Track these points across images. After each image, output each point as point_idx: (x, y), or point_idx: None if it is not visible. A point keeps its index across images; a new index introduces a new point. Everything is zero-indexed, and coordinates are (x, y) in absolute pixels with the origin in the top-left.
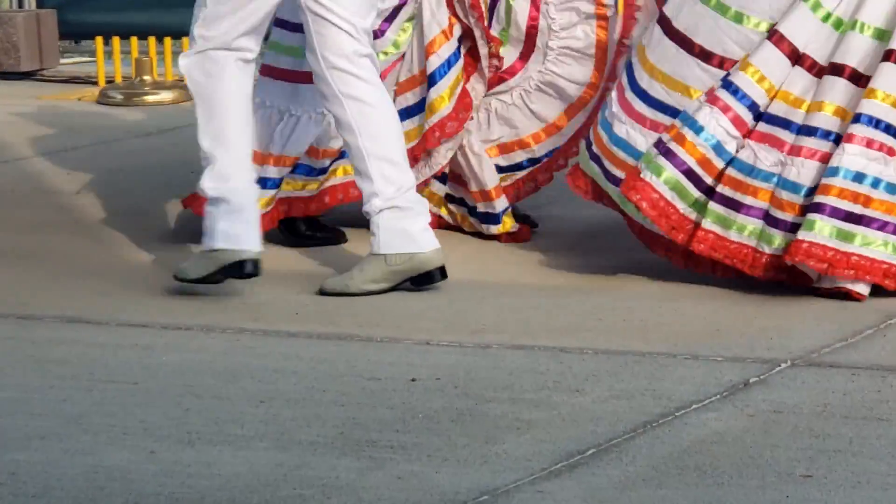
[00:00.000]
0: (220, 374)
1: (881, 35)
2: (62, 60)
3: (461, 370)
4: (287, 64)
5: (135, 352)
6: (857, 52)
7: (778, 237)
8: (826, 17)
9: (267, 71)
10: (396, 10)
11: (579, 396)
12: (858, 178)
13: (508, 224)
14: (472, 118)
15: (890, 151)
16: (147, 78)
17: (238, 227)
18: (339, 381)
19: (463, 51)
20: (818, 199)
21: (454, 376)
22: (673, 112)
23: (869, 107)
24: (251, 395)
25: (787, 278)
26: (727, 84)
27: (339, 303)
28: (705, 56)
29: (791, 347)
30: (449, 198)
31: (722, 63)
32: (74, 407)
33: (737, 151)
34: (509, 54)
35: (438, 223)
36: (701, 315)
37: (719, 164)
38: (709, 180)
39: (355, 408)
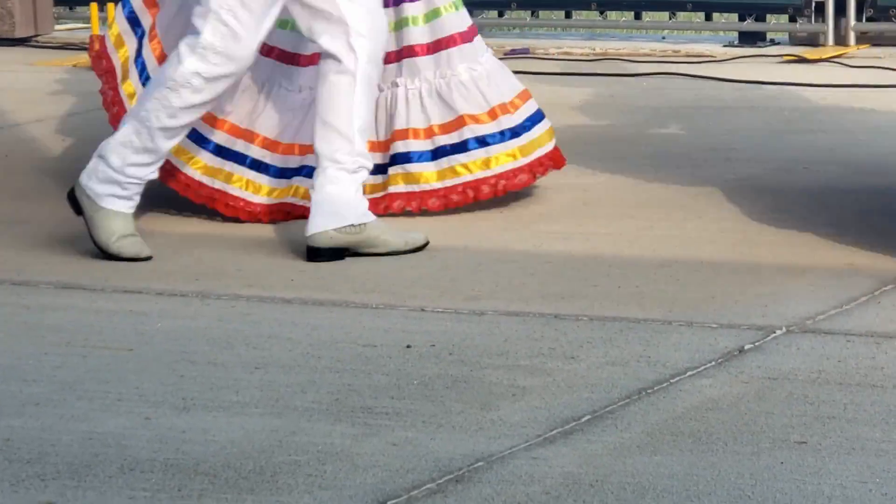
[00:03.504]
0: (215, 341)
1: None
2: (57, 27)
3: (456, 337)
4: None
5: (130, 318)
6: None
7: None
8: None
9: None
10: None
11: (574, 363)
12: None
13: None
14: None
15: None
16: None
17: None
18: (334, 347)
19: None
20: None
21: (449, 343)
22: None
23: None
24: (246, 362)
25: None
26: None
27: (335, 269)
28: None
29: (786, 314)
30: None
31: None
32: (69, 373)
33: None
34: None
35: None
36: (696, 282)
37: None
38: None
39: (350, 374)
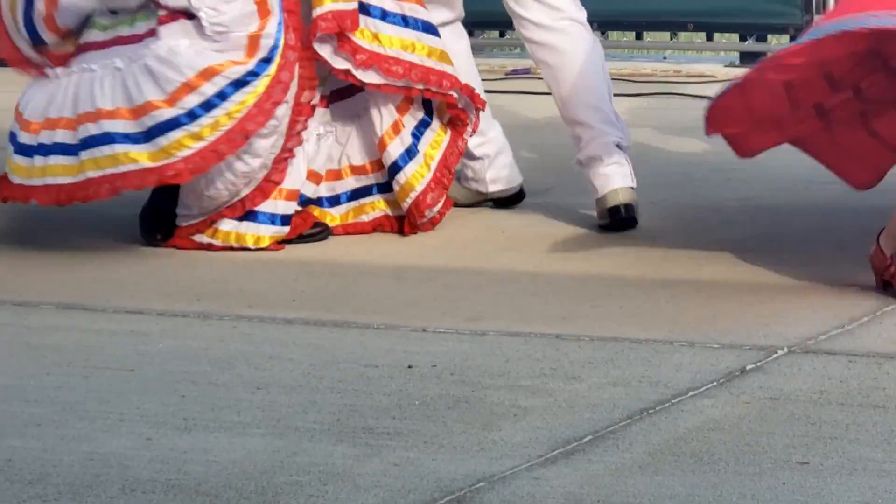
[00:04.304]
0: (217, 361)
1: None
2: None
3: (458, 357)
4: None
5: (131, 338)
6: None
7: None
8: None
9: None
10: None
11: (576, 383)
12: None
13: None
14: None
15: None
16: None
17: None
18: (335, 367)
19: None
20: None
21: (451, 363)
22: None
23: None
24: (247, 382)
25: None
26: None
27: (336, 290)
28: None
29: (788, 334)
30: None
31: None
32: (70, 394)
33: None
34: None
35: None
36: (697, 302)
37: None
38: None
39: (352, 394)
